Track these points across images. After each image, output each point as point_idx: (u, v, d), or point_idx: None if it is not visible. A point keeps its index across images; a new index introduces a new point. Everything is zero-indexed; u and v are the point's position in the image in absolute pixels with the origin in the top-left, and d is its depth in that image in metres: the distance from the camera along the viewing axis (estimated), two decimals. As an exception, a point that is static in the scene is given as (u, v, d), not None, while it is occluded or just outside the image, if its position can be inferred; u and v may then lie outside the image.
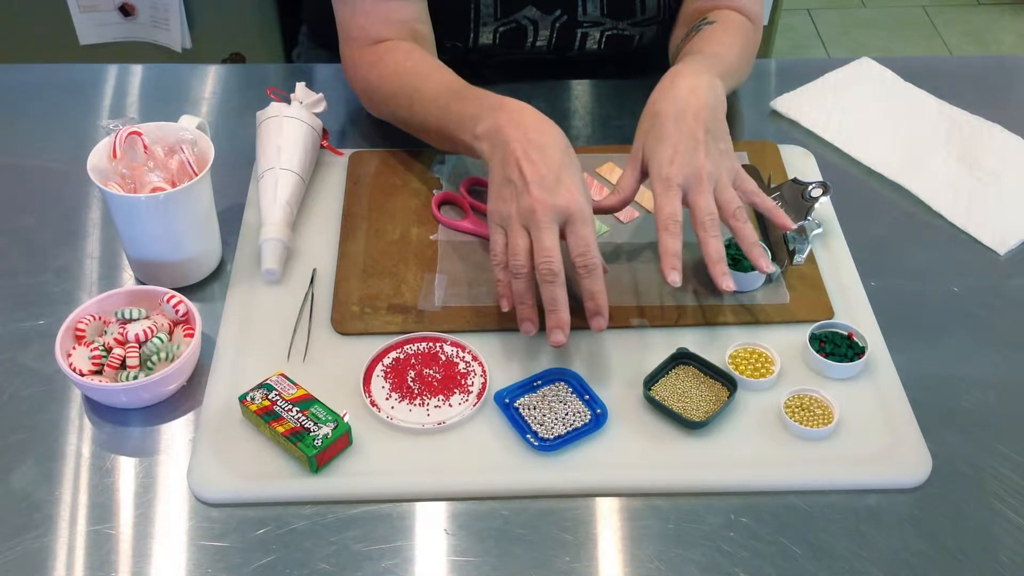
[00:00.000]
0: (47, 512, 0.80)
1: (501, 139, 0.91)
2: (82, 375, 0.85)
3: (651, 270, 0.98)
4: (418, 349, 0.91)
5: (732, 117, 0.98)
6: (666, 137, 0.92)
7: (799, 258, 0.99)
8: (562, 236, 0.88)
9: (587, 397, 0.87)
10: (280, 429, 0.82)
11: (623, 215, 1.04)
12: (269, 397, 0.84)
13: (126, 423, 0.87)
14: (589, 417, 0.85)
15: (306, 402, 0.84)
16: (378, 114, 1.12)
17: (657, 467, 0.83)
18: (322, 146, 1.10)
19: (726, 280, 0.89)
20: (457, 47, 1.19)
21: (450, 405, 0.86)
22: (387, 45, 1.08)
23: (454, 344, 0.91)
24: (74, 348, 0.87)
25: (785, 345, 0.91)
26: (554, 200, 0.86)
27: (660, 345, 0.91)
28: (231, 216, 1.03)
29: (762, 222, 1.03)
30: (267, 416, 0.83)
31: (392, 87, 1.06)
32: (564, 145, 0.90)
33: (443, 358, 0.90)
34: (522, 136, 0.90)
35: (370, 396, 0.87)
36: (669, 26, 1.21)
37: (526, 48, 1.20)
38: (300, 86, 1.09)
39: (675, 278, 0.88)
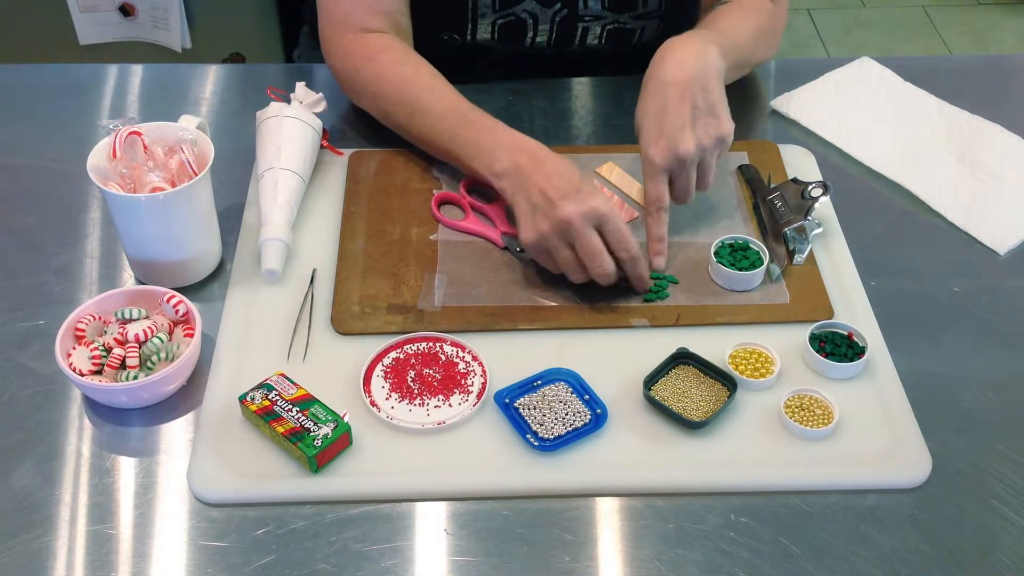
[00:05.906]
0: (47, 512, 0.80)
1: (520, 177, 0.94)
2: (82, 375, 0.85)
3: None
4: (418, 349, 0.91)
5: (732, 117, 0.98)
6: (652, 115, 0.96)
7: (799, 258, 0.99)
8: None
9: (587, 397, 0.87)
10: (280, 429, 0.82)
11: (623, 215, 1.04)
12: (269, 397, 0.84)
13: (126, 423, 0.87)
14: (589, 417, 0.85)
15: (306, 402, 0.84)
16: (360, 104, 1.12)
17: (657, 467, 0.83)
18: (322, 146, 1.10)
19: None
20: (454, 39, 1.18)
21: (450, 405, 0.86)
22: (378, 42, 1.09)
23: (454, 344, 0.91)
24: (74, 348, 0.87)
25: (785, 345, 0.91)
26: (583, 207, 0.90)
27: (660, 345, 0.91)
28: (231, 216, 1.03)
29: (762, 222, 1.03)
30: (267, 416, 0.83)
31: (390, 93, 1.07)
32: (580, 172, 0.94)
33: (443, 358, 0.90)
34: (539, 168, 0.94)
35: (370, 396, 0.87)
36: (671, 21, 1.21)
37: (526, 44, 1.20)
38: (300, 86, 1.09)
39: (660, 263, 0.96)
